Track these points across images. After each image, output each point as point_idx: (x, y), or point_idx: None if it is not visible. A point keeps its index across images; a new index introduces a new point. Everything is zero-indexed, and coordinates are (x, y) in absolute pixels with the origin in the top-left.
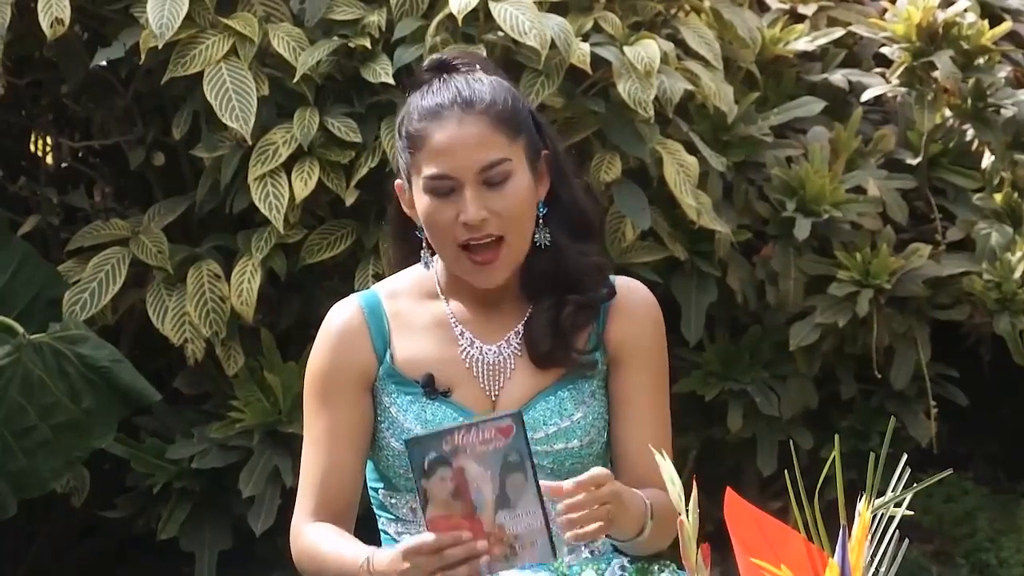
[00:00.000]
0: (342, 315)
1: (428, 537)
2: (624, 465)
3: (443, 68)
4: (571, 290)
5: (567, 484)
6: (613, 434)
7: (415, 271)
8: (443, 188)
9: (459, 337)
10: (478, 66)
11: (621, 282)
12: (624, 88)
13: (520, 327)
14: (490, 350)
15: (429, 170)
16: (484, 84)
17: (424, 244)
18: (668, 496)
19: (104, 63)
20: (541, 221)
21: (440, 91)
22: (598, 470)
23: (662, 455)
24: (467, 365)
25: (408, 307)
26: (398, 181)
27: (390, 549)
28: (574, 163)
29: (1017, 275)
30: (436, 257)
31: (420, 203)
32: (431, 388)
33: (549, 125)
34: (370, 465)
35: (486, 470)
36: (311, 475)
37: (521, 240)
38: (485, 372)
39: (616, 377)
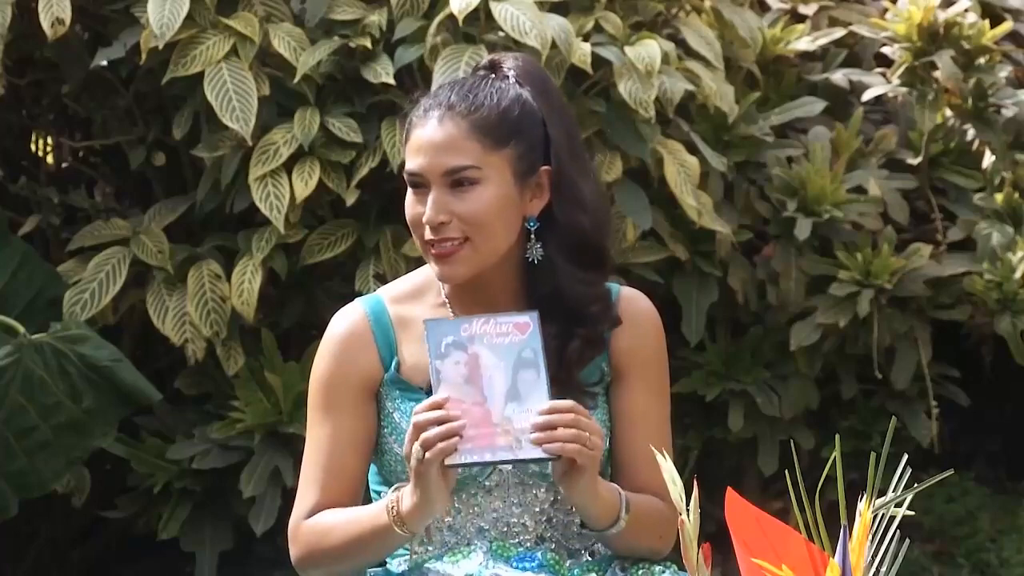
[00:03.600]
0: (346, 322)
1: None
2: (625, 475)
3: (490, 68)
4: (577, 320)
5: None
6: (614, 444)
7: (419, 274)
8: (416, 183)
9: None
10: (514, 71)
11: (624, 293)
12: (625, 88)
13: None
14: None
15: (407, 165)
16: (485, 90)
17: None
18: (661, 503)
19: (105, 63)
20: (533, 236)
21: (445, 89)
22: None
23: (663, 455)
24: None
25: (413, 313)
26: None
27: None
28: (597, 191)
29: (1018, 275)
30: None
31: (406, 195)
32: None
33: (567, 143)
34: (373, 468)
35: (500, 360)
36: (311, 477)
37: (487, 245)
38: None
39: (618, 388)
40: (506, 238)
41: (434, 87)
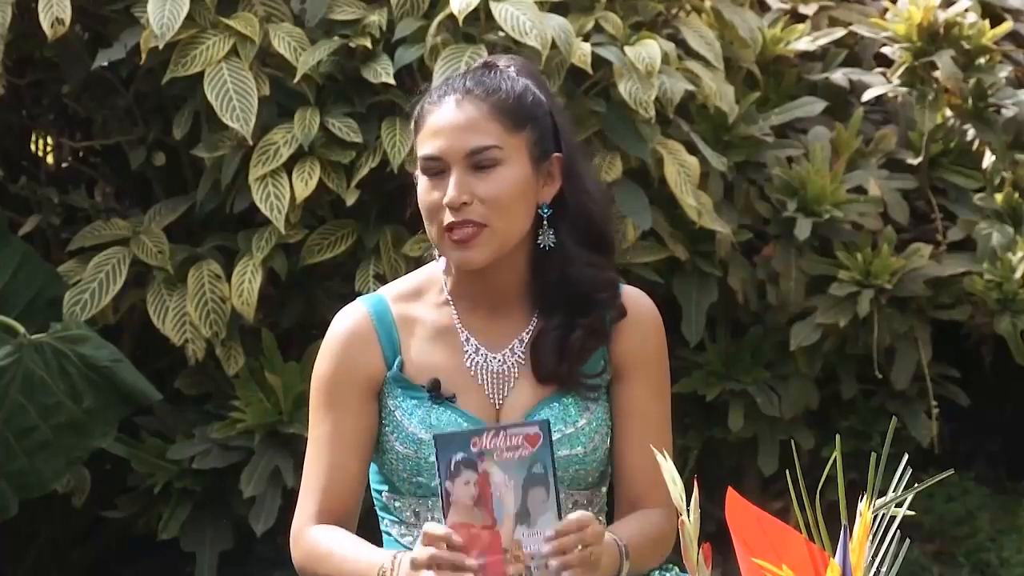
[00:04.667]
0: (348, 321)
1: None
2: (625, 478)
3: (486, 67)
4: (582, 309)
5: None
6: (615, 447)
7: (420, 273)
8: (434, 169)
9: (464, 344)
10: (513, 67)
11: (626, 292)
12: (625, 88)
13: (525, 335)
14: (495, 358)
15: (423, 150)
16: (498, 77)
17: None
18: (661, 520)
19: (105, 63)
20: (546, 223)
21: (456, 78)
22: (581, 513)
23: (663, 455)
24: (472, 372)
25: (416, 312)
26: (417, 171)
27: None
28: (598, 181)
29: (1018, 275)
30: (444, 259)
31: (419, 185)
32: (437, 393)
33: (573, 133)
34: (374, 467)
35: (510, 479)
36: (314, 478)
37: (506, 229)
38: (489, 380)
39: (620, 389)
40: (523, 223)
41: (436, 84)
